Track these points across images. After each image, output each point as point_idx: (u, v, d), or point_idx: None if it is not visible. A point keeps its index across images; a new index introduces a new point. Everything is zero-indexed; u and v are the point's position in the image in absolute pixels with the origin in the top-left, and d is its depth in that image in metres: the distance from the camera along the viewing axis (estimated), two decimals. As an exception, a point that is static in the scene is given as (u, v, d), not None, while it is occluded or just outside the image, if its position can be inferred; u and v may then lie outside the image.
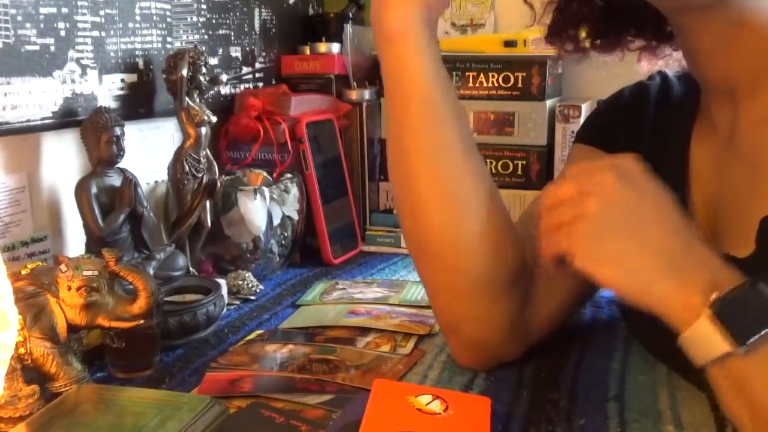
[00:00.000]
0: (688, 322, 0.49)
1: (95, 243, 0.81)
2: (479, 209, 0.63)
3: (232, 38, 1.18)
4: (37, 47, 0.83)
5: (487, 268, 0.64)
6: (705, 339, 0.49)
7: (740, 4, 0.58)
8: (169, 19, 1.04)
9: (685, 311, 0.49)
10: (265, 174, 1.07)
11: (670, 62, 0.73)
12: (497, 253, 0.64)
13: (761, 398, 0.50)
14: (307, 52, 1.29)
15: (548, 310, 0.70)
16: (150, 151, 0.98)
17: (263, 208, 1.00)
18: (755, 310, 0.48)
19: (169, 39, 1.04)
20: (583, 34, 0.70)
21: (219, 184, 0.98)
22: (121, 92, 0.96)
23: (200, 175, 0.95)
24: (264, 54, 1.26)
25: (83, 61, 0.90)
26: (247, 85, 1.22)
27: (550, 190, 0.55)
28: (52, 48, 0.85)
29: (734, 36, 0.60)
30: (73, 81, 0.88)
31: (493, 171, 1.19)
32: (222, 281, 0.90)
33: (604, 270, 0.51)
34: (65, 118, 0.87)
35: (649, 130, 0.73)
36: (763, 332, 0.48)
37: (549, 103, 1.20)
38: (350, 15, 1.34)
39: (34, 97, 0.83)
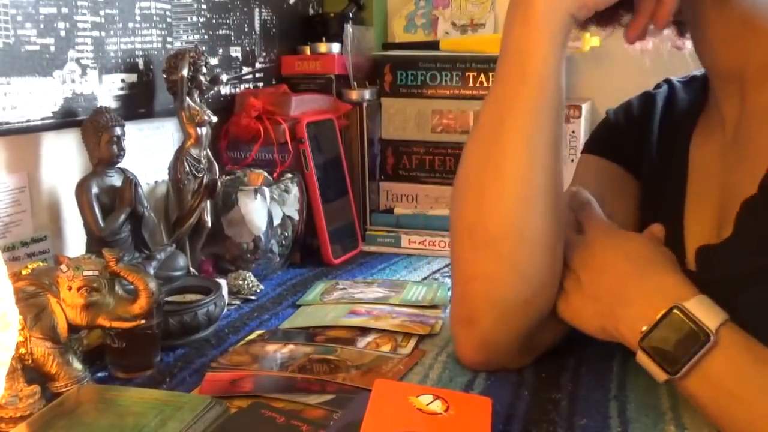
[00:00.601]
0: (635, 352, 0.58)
1: (95, 243, 0.81)
2: (551, 207, 0.63)
3: (232, 38, 1.18)
4: (37, 47, 0.83)
5: (537, 265, 0.63)
6: (648, 368, 0.57)
7: None
8: (169, 19, 1.04)
9: (631, 343, 0.58)
10: (265, 174, 1.07)
11: (661, 40, 0.72)
12: (550, 254, 0.64)
13: (713, 413, 0.55)
14: (308, 52, 1.29)
15: (556, 329, 0.70)
16: (150, 151, 0.98)
17: (263, 208, 1.00)
18: (678, 337, 0.54)
19: (169, 39, 1.04)
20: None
21: (219, 184, 0.98)
22: (121, 92, 0.96)
23: (200, 175, 0.95)
24: (264, 54, 1.26)
25: (83, 61, 0.90)
26: (247, 85, 1.22)
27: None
28: (52, 48, 0.85)
29: (745, 26, 0.60)
30: (73, 81, 0.88)
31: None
32: (222, 281, 0.90)
33: (580, 320, 0.65)
34: (65, 118, 0.87)
35: (655, 139, 0.74)
36: (691, 360, 0.54)
37: (549, 103, 1.20)
38: (350, 15, 1.34)
39: (34, 97, 0.83)
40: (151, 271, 0.80)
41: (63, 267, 0.66)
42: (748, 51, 0.61)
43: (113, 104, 0.95)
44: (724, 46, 0.63)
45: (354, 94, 1.24)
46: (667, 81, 0.78)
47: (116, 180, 0.84)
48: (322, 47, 1.28)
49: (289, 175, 1.08)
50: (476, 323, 0.66)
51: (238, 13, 1.19)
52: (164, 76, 0.94)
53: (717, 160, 0.67)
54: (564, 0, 0.58)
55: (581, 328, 0.64)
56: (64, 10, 0.86)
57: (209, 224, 0.97)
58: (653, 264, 0.60)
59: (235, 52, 1.19)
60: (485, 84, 1.20)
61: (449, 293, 0.91)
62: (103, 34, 0.92)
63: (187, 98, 0.93)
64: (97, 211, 0.82)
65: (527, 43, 0.60)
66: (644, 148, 0.75)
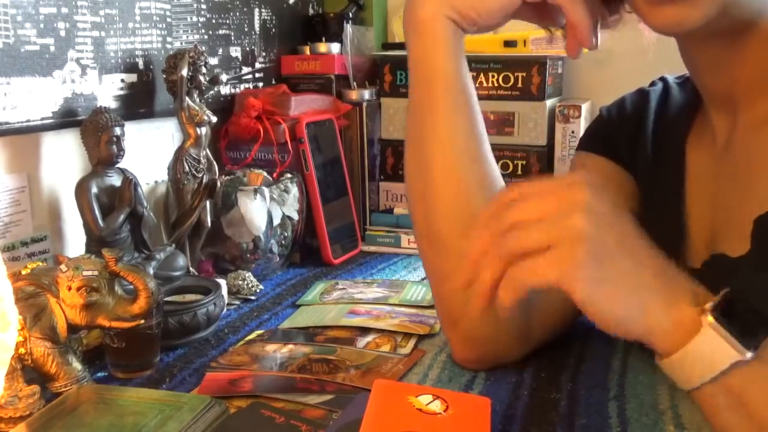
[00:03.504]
0: (684, 339, 0.46)
1: (95, 243, 0.81)
2: (488, 193, 0.64)
3: (232, 38, 1.18)
4: (37, 47, 0.83)
5: None
6: (709, 352, 0.46)
7: (735, 20, 0.58)
8: (169, 19, 1.04)
9: (679, 328, 0.46)
10: (265, 174, 1.07)
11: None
12: None
13: (762, 407, 0.47)
14: (307, 52, 1.29)
15: (552, 310, 0.70)
16: (150, 151, 0.98)
17: (263, 208, 1.00)
18: (754, 312, 0.47)
19: (169, 39, 1.04)
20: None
21: (219, 184, 0.98)
22: (121, 92, 0.96)
23: (200, 175, 0.95)
24: (264, 54, 1.26)
25: (83, 61, 0.90)
26: (247, 85, 1.22)
27: (507, 207, 0.48)
28: (52, 48, 0.85)
29: (731, 49, 0.60)
30: (73, 81, 0.88)
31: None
32: (222, 281, 0.90)
33: (604, 293, 0.46)
34: (65, 118, 0.87)
35: (650, 137, 0.74)
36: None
37: (549, 103, 1.20)
38: (350, 15, 1.34)
39: (34, 97, 0.83)
40: (151, 271, 0.80)
41: (62, 267, 0.66)
42: (735, 73, 0.62)
43: (113, 104, 0.95)
44: (712, 68, 0.63)
45: (354, 94, 1.24)
46: (662, 79, 0.79)
47: (116, 180, 0.84)
48: (322, 47, 1.28)
49: (289, 175, 1.08)
50: (458, 324, 0.68)
51: (238, 13, 1.19)
52: (164, 76, 0.94)
53: (710, 166, 0.67)
54: (442, 6, 0.63)
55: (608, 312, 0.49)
56: (64, 10, 0.86)
57: (209, 224, 0.97)
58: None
59: (235, 52, 1.19)
60: (485, 84, 1.20)
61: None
62: (103, 34, 0.92)
63: (187, 98, 0.93)
64: (96, 211, 0.82)
65: (423, 50, 0.65)
66: (639, 144, 0.75)
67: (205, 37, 1.11)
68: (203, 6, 1.10)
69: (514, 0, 0.61)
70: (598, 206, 0.47)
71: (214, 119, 0.96)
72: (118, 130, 0.83)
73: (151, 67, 1.00)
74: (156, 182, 1.00)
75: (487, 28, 0.65)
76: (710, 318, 0.46)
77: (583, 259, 0.45)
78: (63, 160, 0.86)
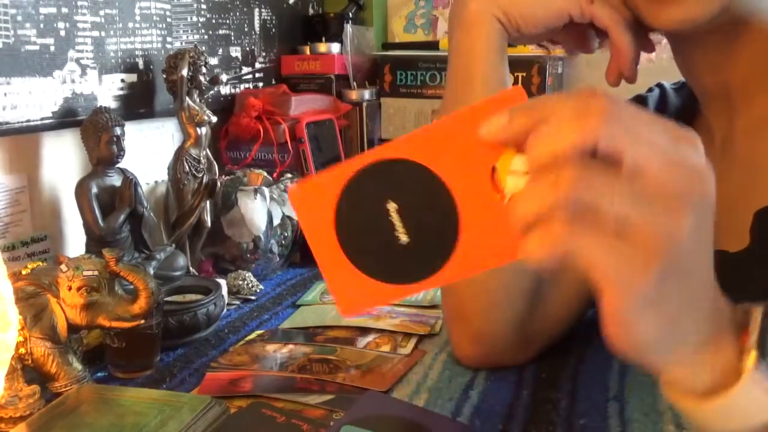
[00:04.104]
0: (723, 383, 0.37)
1: (95, 243, 0.81)
2: None
3: (232, 38, 1.18)
4: (37, 47, 0.83)
5: None
6: (752, 401, 0.37)
7: (732, 17, 0.58)
8: (169, 19, 1.04)
9: (719, 369, 0.37)
10: (265, 174, 1.07)
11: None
12: None
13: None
14: (307, 52, 1.29)
15: (557, 314, 0.70)
16: (150, 151, 0.98)
17: (263, 208, 1.00)
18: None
19: (169, 39, 1.04)
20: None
21: (219, 184, 0.98)
22: (121, 92, 0.96)
23: (200, 175, 0.95)
24: (264, 54, 1.26)
25: (83, 61, 0.90)
26: (247, 85, 1.22)
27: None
28: (52, 48, 0.85)
29: (727, 46, 0.61)
30: (73, 81, 0.88)
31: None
32: (222, 281, 0.90)
33: (649, 313, 0.34)
34: (65, 118, 0.88)
35: None
36: None
37: (549, 103, 1.20)
38: (350, 15, 1.34)
39: (34, 97, 0.83)
40: (151, 271, 0.80)
41: (63, 267, 0.66)
42: (731, 69, 0.62)
43: (113, 104, 0.95)
44: (707, 65, 0.64)
45: (354, 94, 1.24)
46: (659, 85, 0.79)
47: (116, 180, 0.84)
48: (322, 47, 1.28)
49: (289, 175, 1.08)
50: (464, 319, 0.68)
51: (238, 13, 1.19)
52: (164, 76, 0.94)
53: None
54: (490, 5, 0.63)
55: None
56: (64, 10, 0.86)
57: (209, 224, 0.97)
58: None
59: (235, 52, 1.19)
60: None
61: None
62: (103, 34, 0.92)
63: (187, 98, 0.93)
64: (96, 211, 0.82)
65: (467, 45, 0.65)
66: None
67: (205, 37, 1.11)
68: (203, 6, 1.10)
69: (561, 14, 0.62)
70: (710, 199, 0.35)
71: (214, 119, 0.96)
72: (118, 130, 0.83)
73: (151, 67, 1.00)
74: (156, 182, 1.00)
75: (528, 38, 0.65)
76: (752, 361, 0.37)
77: (654, 272, 0.33)
78: (63, 160, 0.86)
